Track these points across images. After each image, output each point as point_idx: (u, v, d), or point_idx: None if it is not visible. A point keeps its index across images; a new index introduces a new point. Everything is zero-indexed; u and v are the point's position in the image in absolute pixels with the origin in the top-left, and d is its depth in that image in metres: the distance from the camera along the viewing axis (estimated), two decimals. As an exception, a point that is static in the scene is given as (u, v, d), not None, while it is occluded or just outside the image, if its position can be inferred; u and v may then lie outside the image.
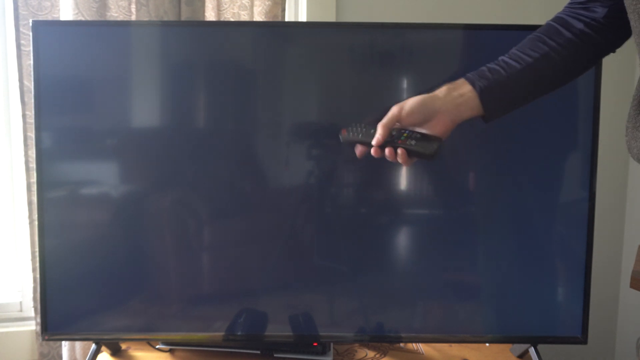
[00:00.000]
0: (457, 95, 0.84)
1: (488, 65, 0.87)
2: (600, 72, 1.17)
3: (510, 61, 0.86)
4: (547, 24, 0.90)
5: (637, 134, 0.79)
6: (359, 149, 0.87)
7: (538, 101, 0.91)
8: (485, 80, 0.84)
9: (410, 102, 0.85)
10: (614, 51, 0.91)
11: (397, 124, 0.86)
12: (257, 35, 1.22)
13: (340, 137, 0.89)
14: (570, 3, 0.91)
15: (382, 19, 1.34)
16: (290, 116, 1.22)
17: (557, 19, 0.90)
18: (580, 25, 0.86)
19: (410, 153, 0.84)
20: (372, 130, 0.86)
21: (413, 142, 0.83)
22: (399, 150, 0.83)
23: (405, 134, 0.85)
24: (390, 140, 0.84)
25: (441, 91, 0.85)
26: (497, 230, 1.25)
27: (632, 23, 0.78)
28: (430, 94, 0.85)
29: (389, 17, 1.49)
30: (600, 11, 0.86)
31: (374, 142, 0.84)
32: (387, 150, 0.84)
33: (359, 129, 0.88)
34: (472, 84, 0.84)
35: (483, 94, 0.84)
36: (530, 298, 1.24)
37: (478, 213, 1.26)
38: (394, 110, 0.86)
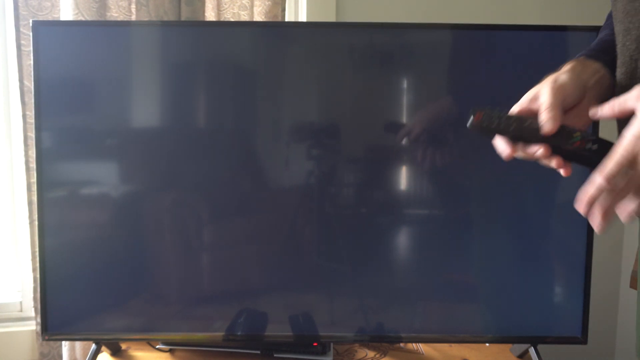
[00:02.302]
0: (593, 69, 0.64)
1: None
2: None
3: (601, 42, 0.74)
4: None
5: None
6: (507, 150, 0.60)
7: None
8: (588, 50, 0.71)
9: (564, 77, 0.61)
10: None
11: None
12: (257, 35, 1.22)
13: (470, 122, 0.61)
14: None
15: (382, 19, 1.34)
16: (291, 116, 1.22)
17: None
18: None
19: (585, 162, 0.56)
20: (529, 120, 0.58)
21: (595, 146, 0.56)
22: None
23: (577, 134, 0.57)
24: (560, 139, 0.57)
25: (567, 70, 0.63)
26: (497, 230, 1.25)
27: (614, 16, 0.75)
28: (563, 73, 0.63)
29: (389, 17, 1.49)
30: None
31: (546, 130, 0.55)
32: (554, 162, 0.58)
33: (498, 116, 0.60)
34: (582, 56, 0.68)
35: (595, 55, 0.68)
36: (530, 298, 1.24)
37: (478, 213, 1.26)
38: (551, 86, 0.59)
